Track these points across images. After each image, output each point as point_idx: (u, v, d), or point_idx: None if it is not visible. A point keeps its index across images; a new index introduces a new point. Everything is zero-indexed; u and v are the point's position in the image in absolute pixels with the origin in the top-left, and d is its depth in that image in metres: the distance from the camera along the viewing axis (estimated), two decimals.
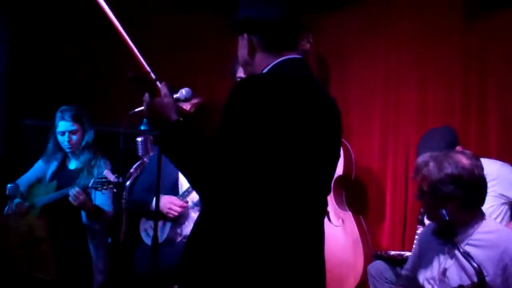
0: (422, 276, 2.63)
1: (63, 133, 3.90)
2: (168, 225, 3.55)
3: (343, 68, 4.83)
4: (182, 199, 3.53)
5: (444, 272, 2.53)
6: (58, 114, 3.91)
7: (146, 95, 2.01)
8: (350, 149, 4.47)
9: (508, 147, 4.15)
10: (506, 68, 4.18)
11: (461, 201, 2.49)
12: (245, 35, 1.99)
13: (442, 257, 2.57)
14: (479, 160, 2.61)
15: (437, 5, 4.45)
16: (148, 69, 2.06)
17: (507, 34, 4.15)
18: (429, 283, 2.58)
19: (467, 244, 2.49)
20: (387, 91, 4.65)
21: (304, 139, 1.84)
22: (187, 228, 3.51)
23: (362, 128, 4.73)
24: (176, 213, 3.49)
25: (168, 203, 3.47)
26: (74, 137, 3.91)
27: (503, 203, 3.55)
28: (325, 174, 1.97)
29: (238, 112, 1.78)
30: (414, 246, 3.72)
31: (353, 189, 4.56)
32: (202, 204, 1.99)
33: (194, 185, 1.90)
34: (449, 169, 2.49)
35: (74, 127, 3.90)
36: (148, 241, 3.57)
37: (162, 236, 3.52)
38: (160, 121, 1.95)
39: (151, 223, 3.56)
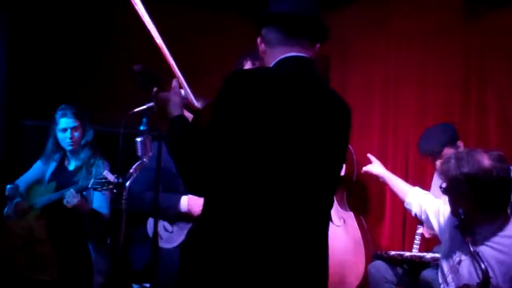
0: (444, 262, 2.68)
1: (65, 130, 3.89)
2: (186, 228, 3.53)
3: (343, 67, 4.84)
4: None
5: (459, 263, 2.56)
6: (60, 112, 3.91)
7: (155, 89, 2.03)
8: (352, 150, 4.47)
9: (508, 147, 4.14)
10: (506, 68, 4.17)
11: (474, 201, 2.50)
12: (261, 31, 1.98)
13: (459, 251, 2.61)
14: (505, 162, 2.57)
15: (437, 5, 4.44)
16: (175, 66, 2.05)
17: (507, 34, 4.15)
18: (447, 268, 2.64)
19: (484, 244, 2.50)
20: (387, 90, 4.66)
21: (292, 136, 1.80)
22: None
23: (362, 127, 4.73)
24: None
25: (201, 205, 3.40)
26: (76, 134, 3.91)
27: None
28: (328, 173, 1.90)
29: (224, 107, 1.79)
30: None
31: (354, 190, 4.56)
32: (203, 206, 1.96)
33: (183, 180, 1.89)
34: (466, 168, 2.51)
35: (76, 124, 3.90)
36: (161, 244, 3.51)
37: (178, 239, 3.50)
38: (165, 115, 1.99)
39: (163, 224, 3.55)
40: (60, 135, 3.92)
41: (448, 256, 2.66)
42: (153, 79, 2.08)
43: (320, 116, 1.88)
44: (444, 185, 2.62)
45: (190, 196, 3.44)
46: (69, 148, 3.93)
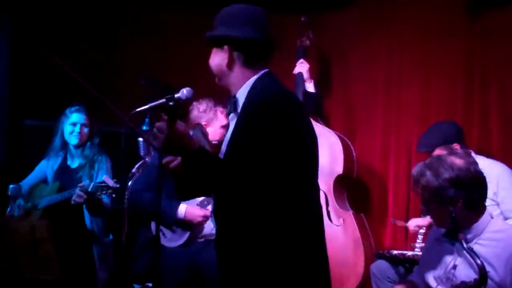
0: (429, 274, 2.64)
1: (74, 124, 3.96)
2: (185, 234, 3.52)
3: (346, 67, 4.83)
4: (203, 208, 3.50)
5: (454, 268, 2.53)
6: (73, 108, 3.99)
7: (162, 124, 2.06)
8: (352, 148, 4.46)
9: (510, 146, 4.14)
10: (509, 68, 4.16)
11: (465, 201, 2.49)
12: (226, 47, 2.17)
13: (451, 256, 2.57)
14: (472, 156, 2.65)
15: (439, 4, 4.44)
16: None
17: (510, 33, 4.14)
18: (436, 280, 2.59)
19: (476, 243, 2.49)
20: (389, 90, 4.65)
21: (310, 149, 2.14)
22: (206, 228, 3.49)
23: (364, 126, 4.73)
24: (205, 223, 3.49)
25: (198, 216, 3.44)
26: (85, 129, 3.98)
27: (494, 204, 3.54)
28: (316, 173, 2.22)
29: (265, 131, 1.98)
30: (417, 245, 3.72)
31: (355, 188, 4.55)
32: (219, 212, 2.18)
33: (223, 196, 2.11)
34: (446, 174, 2.50)
35: (87, 122, 3.99)
36: (165, 242, 3.53)
37: (182, 238, 3.50)
38: (181, 150, 2.03)
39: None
40: (68, 129, 3.98)
41: (437, 267, 2.62)
42: (163, 87, 2.12)
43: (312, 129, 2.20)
44: (425, 197, 2.58)
45: (188, 206, 3.45)
46: (75, 142, 3.98)
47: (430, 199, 2.56)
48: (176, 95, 2.75)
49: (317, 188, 2.19)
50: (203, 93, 3.66)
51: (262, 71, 2.20)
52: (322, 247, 2.14)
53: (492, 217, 2.58)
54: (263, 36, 2.18)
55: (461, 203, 2.48)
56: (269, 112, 2.01)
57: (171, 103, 2.08)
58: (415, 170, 2.62)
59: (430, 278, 2.62)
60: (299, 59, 4.48)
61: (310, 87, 4.42)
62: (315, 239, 2.10)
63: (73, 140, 3.97)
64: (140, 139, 2.97)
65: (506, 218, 3.52)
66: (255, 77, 2.18)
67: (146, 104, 2.87)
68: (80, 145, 3.99)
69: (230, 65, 2.19)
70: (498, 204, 3.54)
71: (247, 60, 2.18)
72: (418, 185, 2.59)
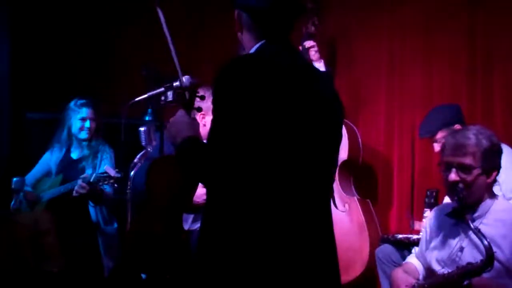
0: (432, 257, 2.61)
1: (84, 119, 4.00)
2: (189, 218, 3.54)
3: (348, 51, 4.81)
4: None
5: (461, 250, 2.50)
6: (81, 101, 4.02)
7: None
8: (358, 134, 4.45)
9: None
10: None
11: (498, 171, 2.50)
12: (235, 10, 1.94)
13: (457, 238, 2.54)
14: None
15: None
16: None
17: None
18: (439, 264, 2.57)
19: (482, 223, 2.47)
20: (392, 74, 4.62)
21: (294, 121, 1.79)
22: None
23: (368, 111, 4.71)
24: None
25: (203, 195, 3.42)
26: (94, 124, 4.03)
27: (496, 185, 3.53)
28: (326, 157, 1.91)
29: (225, 99, 1.75)
30: (423, 229, 3.71)
31: (361, 174, 4.54)
32: (207, 196, 1.95)
33: (205, 183, 1.88)
34: (488, 141, 2.46)
35: (95, 116, 4.04)
36: None
37: (186, 226, 3.52)
38: (175, 137, 1.91)
39: None
40: (78, 124, 4.01)
41: (441, 249, 2.58)
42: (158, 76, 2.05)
43: (318, 100, 1.88)
44: (467, 164, 2.45)
45: None
46: (84, 136, 4.02)
47: (473, 165, 2.44)
48: (174, 83, 2.75)
49: (312, 168, 1.85)
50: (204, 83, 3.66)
51: (264, 40, 1.89)
52: (321, 234, 1.87)
53: (497, 198, 2.56)
54: (275, 4, 1.88)
55: (496, 172, 2.48)
56: (217, 85, 1.78)
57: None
58: (451, 138, 2.52)
59: (433, 261, 2.60)
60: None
61: (320, 66, 4.33)
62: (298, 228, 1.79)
63: (82, 135, 4.02)
64: (141, 128, 2.97)
65: (507, 199, 3.50)
66: (256, 47, 1.90)
67: (145, 94, 2.88)
68: (88, 139, 4.03)
69: (239, 29, 1.95)
70: (499, 185, 3.53)
71: (254, 27, 1.90)
72: (461, 151, 2.45)
